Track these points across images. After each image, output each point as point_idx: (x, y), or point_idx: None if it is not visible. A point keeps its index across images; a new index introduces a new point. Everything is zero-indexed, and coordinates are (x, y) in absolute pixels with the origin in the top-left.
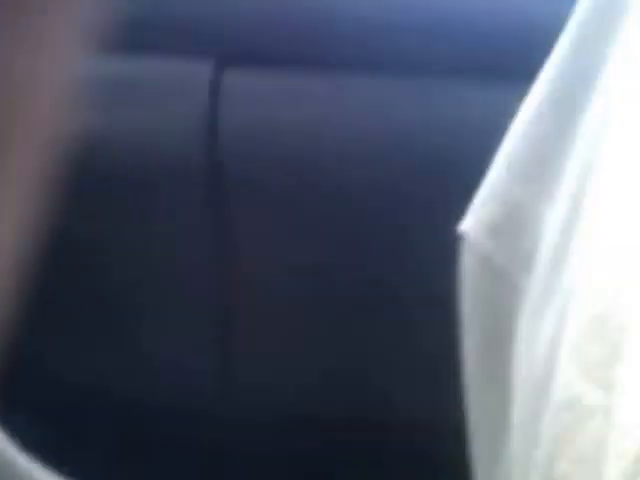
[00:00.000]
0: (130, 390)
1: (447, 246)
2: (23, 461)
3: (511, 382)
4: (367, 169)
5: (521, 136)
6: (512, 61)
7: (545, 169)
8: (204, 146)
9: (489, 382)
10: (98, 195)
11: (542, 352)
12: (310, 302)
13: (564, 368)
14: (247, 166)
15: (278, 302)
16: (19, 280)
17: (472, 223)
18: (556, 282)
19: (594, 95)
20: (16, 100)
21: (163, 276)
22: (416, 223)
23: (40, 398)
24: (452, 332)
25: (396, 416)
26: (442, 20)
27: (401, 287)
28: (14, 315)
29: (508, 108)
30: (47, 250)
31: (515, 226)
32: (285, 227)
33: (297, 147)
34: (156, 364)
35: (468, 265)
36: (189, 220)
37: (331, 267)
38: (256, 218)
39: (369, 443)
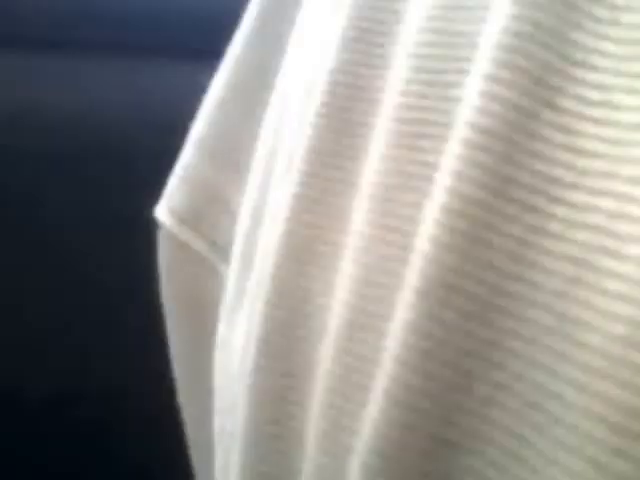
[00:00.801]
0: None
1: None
2: None
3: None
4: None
5: (209, 119)
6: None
7: (236, 154)
8: None
9: (195, 374)
10: None
11: (235, 360)
12: None
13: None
14: None
15: None
16: None
17: (167, 209)
18: (246, 281)
19: (276, 80)
20: None
21: None
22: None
23: None
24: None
25: None
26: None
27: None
28: None
29: (201, 87)
30: None
31: (211, 213)
32: None
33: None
34: None
35: (166, 253)
36: None
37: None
38: None
39: None
